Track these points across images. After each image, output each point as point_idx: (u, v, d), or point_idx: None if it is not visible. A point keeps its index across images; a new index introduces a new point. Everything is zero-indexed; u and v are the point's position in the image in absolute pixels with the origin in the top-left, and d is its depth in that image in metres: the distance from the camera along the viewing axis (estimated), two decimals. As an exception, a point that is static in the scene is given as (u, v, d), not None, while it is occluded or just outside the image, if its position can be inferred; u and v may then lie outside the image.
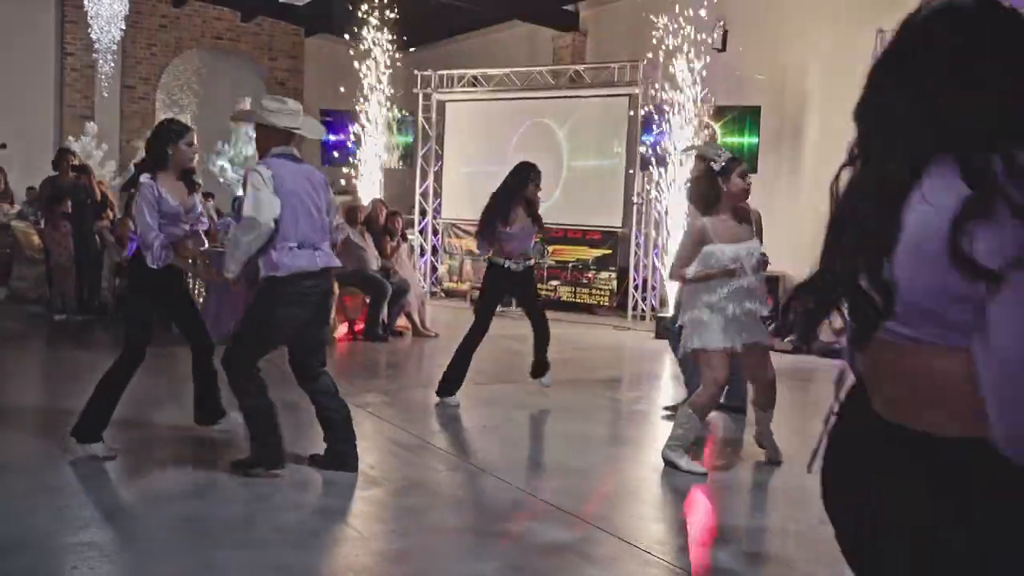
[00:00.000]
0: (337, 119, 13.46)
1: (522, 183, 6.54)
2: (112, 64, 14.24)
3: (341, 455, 4.69)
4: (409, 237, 11.11)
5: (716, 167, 4.90)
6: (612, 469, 5.18)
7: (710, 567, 3.75)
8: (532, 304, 6.78)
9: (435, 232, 13.62)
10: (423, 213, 13.54)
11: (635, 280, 11.58)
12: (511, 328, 9.38)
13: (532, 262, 6.61)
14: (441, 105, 13.55)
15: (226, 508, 4.15)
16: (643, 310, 11.52)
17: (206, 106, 16.03)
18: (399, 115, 13.39)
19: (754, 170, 10.22)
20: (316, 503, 4.39)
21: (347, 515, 4.25)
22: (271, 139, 4.57)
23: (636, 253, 11.55)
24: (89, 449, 4.67)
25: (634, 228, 11.56)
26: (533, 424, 6.42)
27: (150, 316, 4.90)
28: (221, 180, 13.82)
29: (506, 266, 6.44)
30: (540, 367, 6.84)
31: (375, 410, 6.19)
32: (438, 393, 6.44)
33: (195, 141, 4.92)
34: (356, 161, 13.00)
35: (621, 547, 3.83)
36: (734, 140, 10.35)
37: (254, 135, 4.81)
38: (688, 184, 5.73)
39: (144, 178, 4.75)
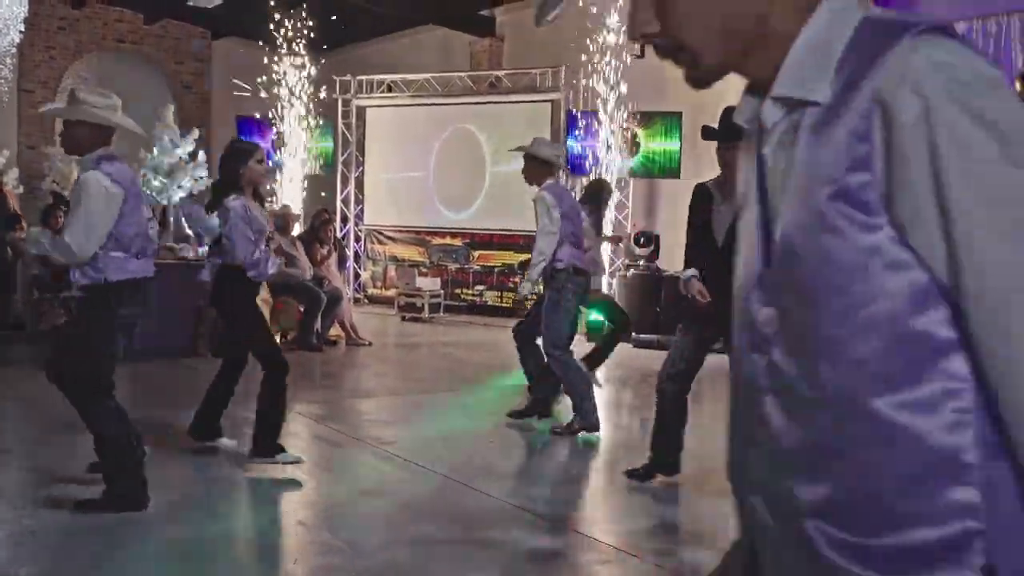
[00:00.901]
0: (252, 125, 13.23)
1: None
2: (9, 68, 13.67)
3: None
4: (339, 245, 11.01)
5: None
6: (581, 473, 5.27)
7: (697, 568, 3.86)
8: None
9: (357, 238, 13.51)
10: (344, 219, 13.41)
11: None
12: (449, 335, 9.40)
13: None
14: (361, 110, 13.45)
15: (205, 528, 4.07)
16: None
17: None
18: (317, 121, 13.23)
19: (676, 175, 10.50)
20: (286, 518, 4.34)
21: (324, 530, 4.21)
22: (101, 138, 4.20)
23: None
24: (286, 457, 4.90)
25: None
26: (488, 431, 6.45)
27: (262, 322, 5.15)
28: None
29: None
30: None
31: (323, 422, 6.13)
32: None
33: (264, 158, 5.02)
34: (276, 167, 12.80)
35: (609, 552, 3.91)
36: (657, 146, 10.61)
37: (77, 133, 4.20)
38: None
39: (233, 199, 4.79)
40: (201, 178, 12.61)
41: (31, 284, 9.19)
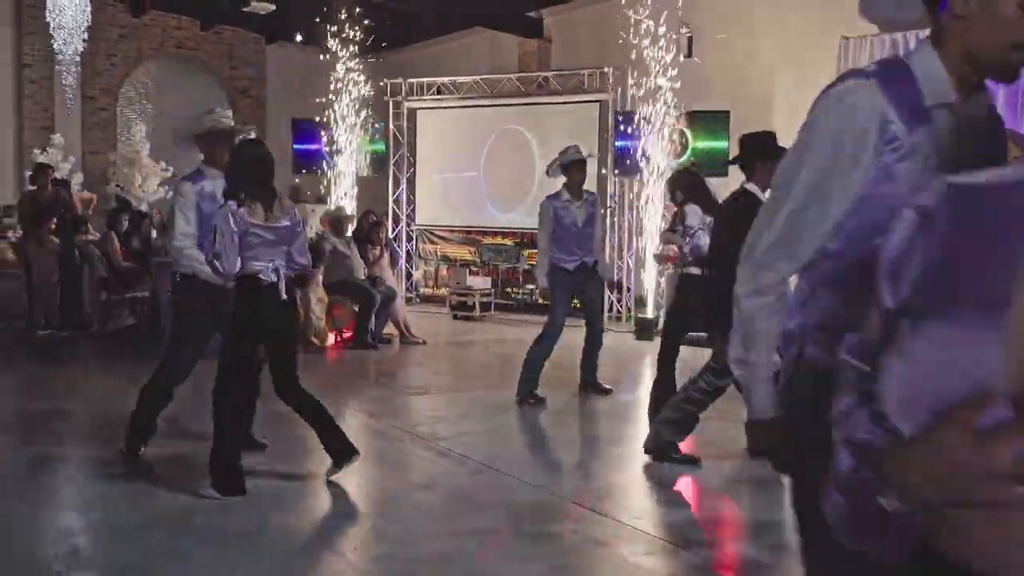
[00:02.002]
0: (307, 128, 13.53)
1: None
2: (74, 75, 14.15)
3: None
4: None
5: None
6: (628, 467, 5.39)
7: (741, 559, 3.98)
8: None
9: (408, 238, 13.74)
10: (396, 220, 13.65)
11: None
12: (500, 333, 9.56)
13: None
14: (411, 112, 13.68)
15: (269, 518, 4.29)
16: (618, 311, 11.78)
17: (166, 116, 15.93)
18: (371, 123, 13.48)
19: (724, 173, 10.55)
20: (345, 509, 4.54)
21: (380, 520, 4.40)
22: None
23: (610, 255, 11.79)
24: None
25: (608, 231, 11.80)
26: (538, 426, 6.61)
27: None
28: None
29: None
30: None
31: (379, 418, 6.33)
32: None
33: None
34: (330, 170, 13.08)
35: (655, 543, 4.05)
36: (704, 144, 10.67)
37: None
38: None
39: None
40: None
41: (99, 286, 9.55)
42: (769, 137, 5.08)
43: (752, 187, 4.93)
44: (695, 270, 5.84)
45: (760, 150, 4.97)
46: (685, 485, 5.01)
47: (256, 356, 4.81)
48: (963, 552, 0.91)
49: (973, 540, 0.90)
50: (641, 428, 6.42)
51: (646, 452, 5.28)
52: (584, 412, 6.83)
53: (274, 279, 4.50)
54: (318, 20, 12.76)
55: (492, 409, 6.79)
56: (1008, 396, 0.87)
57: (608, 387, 7.16)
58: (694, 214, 5.96)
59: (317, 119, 13.31)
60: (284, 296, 4.57)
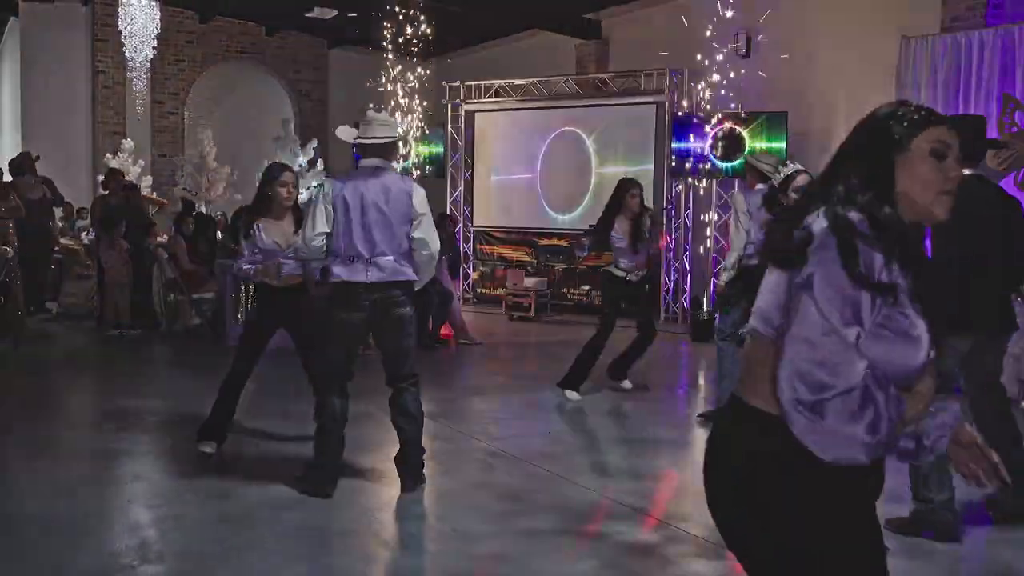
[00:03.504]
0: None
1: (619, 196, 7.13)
2: (144, 81, 14.61)
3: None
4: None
5: (775, 181, 5.18)
6: (680, 470, 5.46)
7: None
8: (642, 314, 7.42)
9: (466, 240, 13.90)
10: (454, 222, 13.81)
11: (666, 284, 11.85)
12: (556, 334, 9.64)
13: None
14: (470, 115, 13.83)
15: (331, 516, 4.45)
16: (675, 312, 11.80)
17: (232, 120, 16.34)
18: (427, 126, 13.68)
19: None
20: (403, 508, 4.66)
21: (436, 519, 4.53)
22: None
23: (667, 257, 11.81)
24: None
25: (666, 232, 11.82)
26: (589, 427, 6.70)
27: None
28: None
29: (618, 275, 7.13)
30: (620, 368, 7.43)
31: (436, 418, 6.39)
32: (560, 385, 7.12)
33: (290, 181, 5.30)
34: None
35: (703, 546, 4.11)
36: (760, 144, 10.63)
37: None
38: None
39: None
40: (313, 186, 13.16)
41: (167, 287, 9.87)
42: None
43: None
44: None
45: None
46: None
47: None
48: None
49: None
50: (691, 432, 6.47)
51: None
52: (634, 414, 6.89)
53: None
54: (378, 25, 12.98)
55: (545, 410, 6.90)
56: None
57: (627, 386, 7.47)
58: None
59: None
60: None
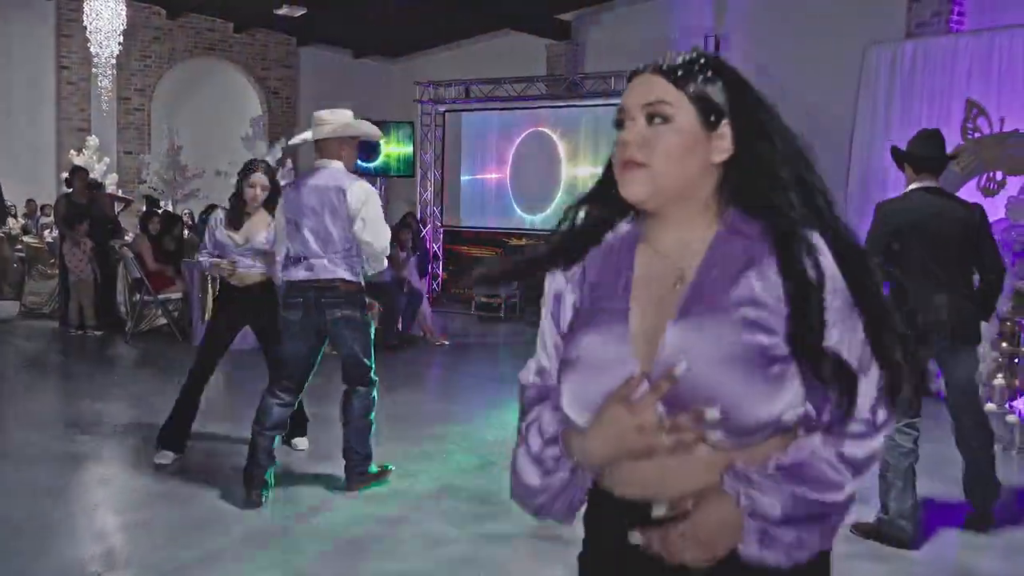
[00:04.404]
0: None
1: None
2: (110, 77, 14.41)
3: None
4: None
5: None
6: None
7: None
8: None
9: (436, 240, 13.88)
10: (424, 221, 13.79)
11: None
12: (526, 334, 9.62)
13: None
14: (440, 114, 13.81)
15: (295, 520, 4.42)
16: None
17: (199, 117, 16.16)
18: (398, 125, 13.62)
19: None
20: (369, 513, 4.64)
21: (404, 524, 4.50)
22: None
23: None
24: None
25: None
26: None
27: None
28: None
29: None
30: None
31: (403, 420, 6.40)
32: None
33: (259, 183, 5.18)
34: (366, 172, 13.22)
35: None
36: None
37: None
38: None
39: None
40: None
41: (133, 287, 9.75)
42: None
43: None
44: None
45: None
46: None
47: None
48: (627, 490, 1.39)
49: (636, 480, 1.37)
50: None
51: None
52: None
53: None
54: (349, 23, 12.93)
55: (513, 411, 6.85)
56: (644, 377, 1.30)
57: None
58: None
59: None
60: None
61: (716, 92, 1.40)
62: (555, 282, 1.51)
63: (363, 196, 4.60)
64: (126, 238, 10.04)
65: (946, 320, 4.22)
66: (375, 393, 4.84)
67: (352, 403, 4.78)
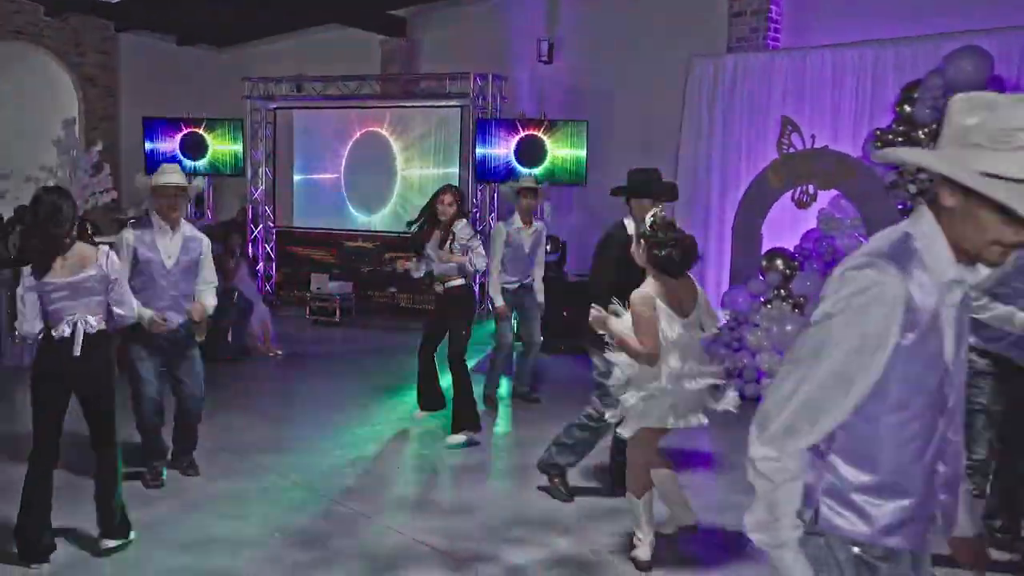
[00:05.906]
0: (159, 126, 13.10)
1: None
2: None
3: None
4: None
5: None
6: (473, 501, 5.36)
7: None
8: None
9: (268, 241, 13.48)
10: (255, 222, 13.36)
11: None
12: (360, 340, 9.47)
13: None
14: (271, 111, 13.38)
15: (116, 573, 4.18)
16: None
17: (3, 112, 15.00)
18: (226, 122, 13.08)
19: (583, 181, 10.79)
20: (188, 564, 4.44)
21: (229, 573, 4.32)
22: None
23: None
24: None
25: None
26: (403, 455, 6.44)
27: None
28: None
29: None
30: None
31: (224, 452, 6.08)
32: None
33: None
34: (192, 171, 12.61)
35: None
36: (565, 152, 10.85)
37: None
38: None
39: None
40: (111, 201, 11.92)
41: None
42: (650, 175, 5.10)
43: (628, 221, 5.01)
44: None
45: (639, 186, 5.03)
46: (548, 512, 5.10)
47: None
48: None
49: None
50: (496, 454, 6.51)
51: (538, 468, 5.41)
52: (435, 435, 6.73)
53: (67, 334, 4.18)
54: (172, 9, 12.27)
55: (349, 435, 6.70)
56: None
57: (537, 396, 7.78)
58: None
59: (169, 116, 12.89)
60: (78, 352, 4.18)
61: None
62: None
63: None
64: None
65: None
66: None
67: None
